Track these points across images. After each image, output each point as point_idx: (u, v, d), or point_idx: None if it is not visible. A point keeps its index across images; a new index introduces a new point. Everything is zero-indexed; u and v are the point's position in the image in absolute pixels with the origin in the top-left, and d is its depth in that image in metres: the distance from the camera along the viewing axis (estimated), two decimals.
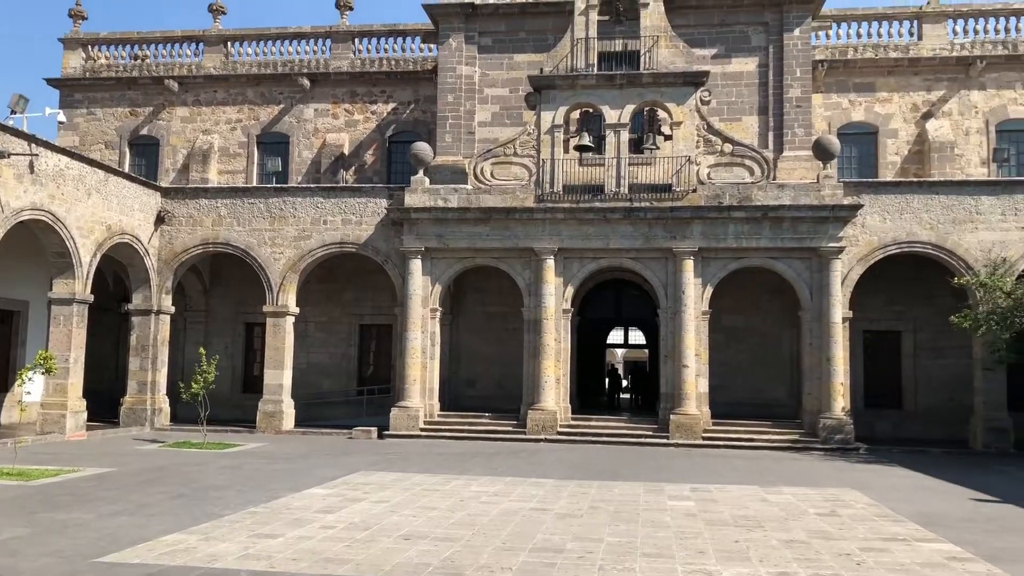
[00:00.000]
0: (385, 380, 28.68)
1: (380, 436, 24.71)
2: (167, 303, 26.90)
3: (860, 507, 14.12)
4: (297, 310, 26.74)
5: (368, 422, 26.06)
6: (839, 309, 23.88)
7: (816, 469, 19.50)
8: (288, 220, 26.42)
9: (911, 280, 26.18)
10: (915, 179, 27.40)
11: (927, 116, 30.17)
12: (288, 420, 26.22)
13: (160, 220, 26.57)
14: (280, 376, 26.20)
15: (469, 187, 25.55)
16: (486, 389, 28.21)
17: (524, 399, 25.10)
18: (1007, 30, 30.37)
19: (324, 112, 33.12)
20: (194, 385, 22.11)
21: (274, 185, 28.72)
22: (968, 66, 29.86)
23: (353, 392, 28.84)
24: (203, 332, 29.73)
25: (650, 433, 24.46)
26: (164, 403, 26.82)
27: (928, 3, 30.67)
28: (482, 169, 25.68)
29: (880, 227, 24.30)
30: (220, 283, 30.10)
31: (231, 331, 30.01)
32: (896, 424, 26.42)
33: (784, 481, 17.16)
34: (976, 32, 30.52)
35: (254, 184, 32.03)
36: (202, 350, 23.07)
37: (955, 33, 30.57)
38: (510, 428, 24.80)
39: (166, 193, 27.13)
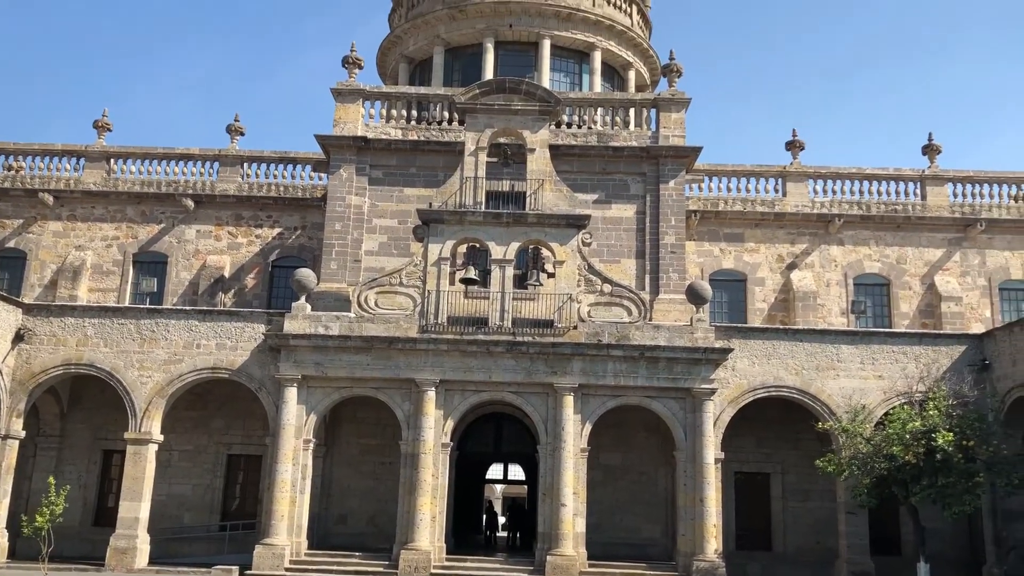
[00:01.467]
0: (252, 514, 27.26)
1: None
2: (17, 427, 25.12)
3: None
4: (161, 437, 25.41)
5: (230, 560, 24.54)
6: (712, 450, 24.38)
7: None
8: (159, 342, 25.43)
9: (779, 423, 27.09)
10: (781, 326, 28.81)
11: (792, 267, 32.04)
12: (142, 557, 24.44)
13: (19, 338, 25.10)
14: (137, 508, 24.55)
15: (352, 315, 25.32)
16: (358, 526, 27.16)
17: (398, 538, 24.23)
18: (861, 192, 32.96)
19: (207, 233, 32.58)
20: (38, 518, 20.45)
21: (147, 306, 27.72)
22: (828, 223, 32.10)
23: (216, 527, 27.23)
24: (55, 459, 27.77)
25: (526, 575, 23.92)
26: (2, 537, 24.63)
27: (791, 163, 33.10)
28: (366, 297, 25.57)
29: (749, 371, 25.25)
30: (80, 406, 28.39)
31: (87, 458, 28.12)
32: (766, 566, 26.70)
33: None
34: (834, 192, 32.98)
35: (126, 304, 30.87)
36: (51, 479, 21.49)
37: (815, 192, 32.95)
38: (381, 569, 23.78)
39: (28, 310, 25.77)
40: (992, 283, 32.04)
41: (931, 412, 20.70)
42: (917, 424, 20.49)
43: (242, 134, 34.14)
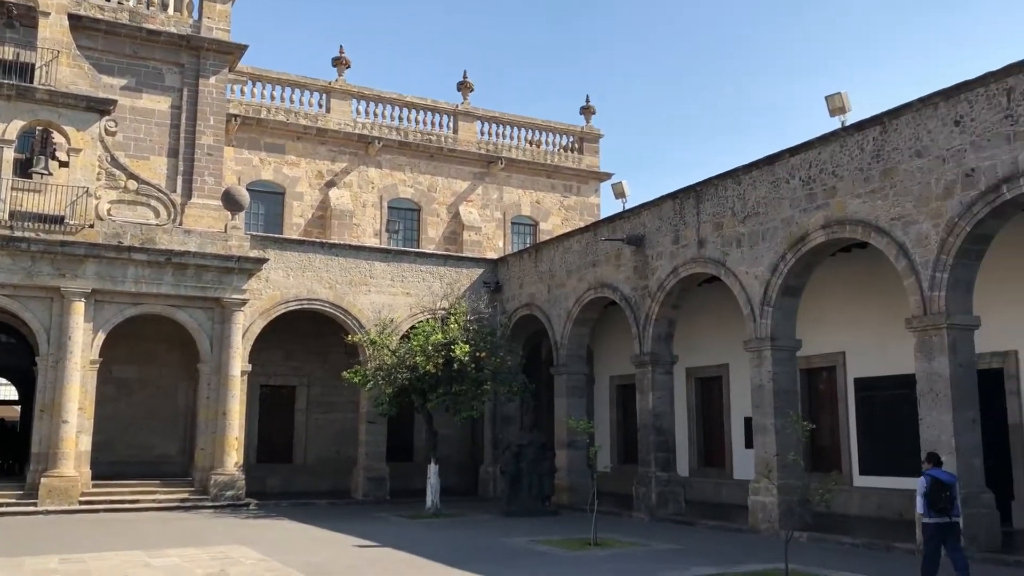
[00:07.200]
0: None
1: None
2: None
3: (250, 563, 13.67)
4: None
5: None
6: (239, 362, 23.55)
7: (206, 527, 18.60)
8: None
9: (309, 337, 27.13)
10: (318, 240, 28.65)
11: (331, 184, 32.01)
12: None
13: None
14: None
15: None
16: None
17: None
18: (400, 118, 33.95)
19: None
20: None
21: None
22: (368, 144, 32.56)
23: None
24: None
25: (14, 500, 20.99)
26: None
27: (336, 80, 32.87)
28: None
29: (284, 282, 24.76)
30: None
31: None
32: (287, 478, 26.83)
33: (171, 543, 15.93)
34: (376, 115, 33.52)
35: None
36: None
37: (358, 112, 33.17)
38: None
39: None
40: (506, 217, 35.33)
41: (452, 326, 22.13)
42: (439, 337, 21.75)
43: None
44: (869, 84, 66.15)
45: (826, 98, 17.22)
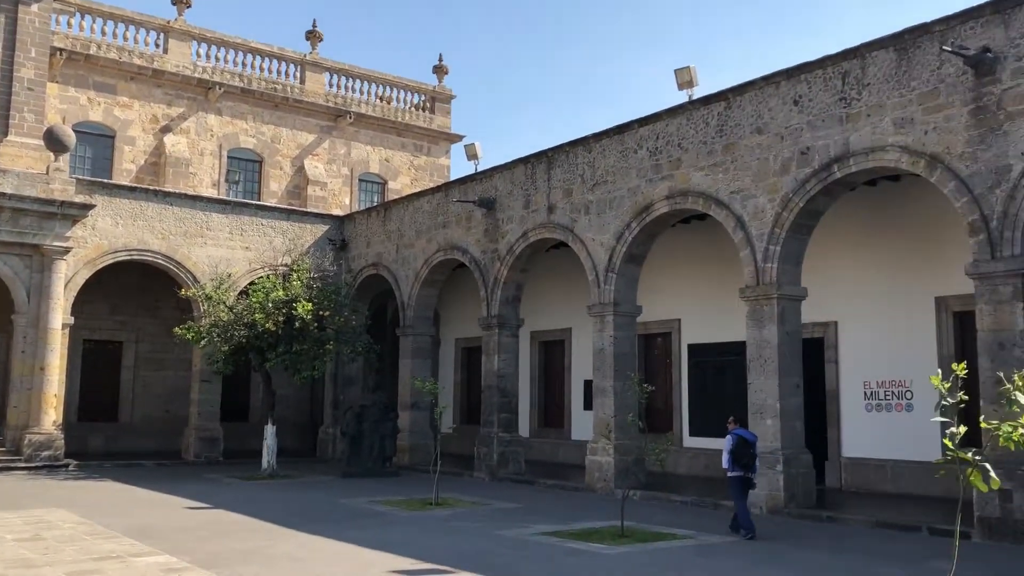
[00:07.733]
0: None
1: None
2: None
3: (69, 527, 12.83)
4: None
5: None
6: (59, 315, 21.98)
7: (19, 490, 17.35)
8: None
9: (138, 290, 25.72)
10: (152, 187, 27.03)
11: (166, 130, 30.18)
12: None
13: None
14: None
15: None
16: None
17: None
18: (244, 64, 32.34)
19: None
20: None
21: None
22: (208, 90, 30.87)
23: None
24: None
25: None
26: None
27: (176, 19, 30.91)
28: None
29: (112, 231, 23.22)
30: None
31: None
32: (111, 438, 25.49)
33: None
34: (217, 59, 31.77)
35: None
36: None
37: (198, 56, 31.33)
38: None
39: None
40: (354, 173, 34.48)
41: (294, 283, 21.41)
42: (280, 294, 20.98)
43: None
44: (718, 60, 68.74)
45: (675, 71, 17.63)
